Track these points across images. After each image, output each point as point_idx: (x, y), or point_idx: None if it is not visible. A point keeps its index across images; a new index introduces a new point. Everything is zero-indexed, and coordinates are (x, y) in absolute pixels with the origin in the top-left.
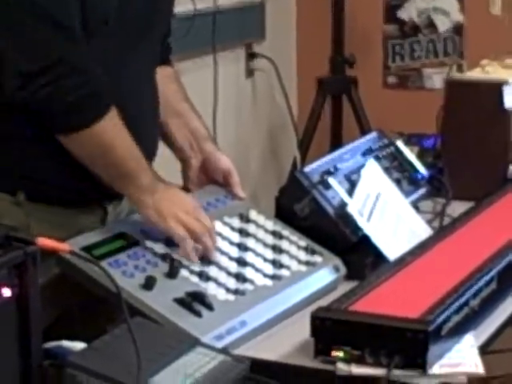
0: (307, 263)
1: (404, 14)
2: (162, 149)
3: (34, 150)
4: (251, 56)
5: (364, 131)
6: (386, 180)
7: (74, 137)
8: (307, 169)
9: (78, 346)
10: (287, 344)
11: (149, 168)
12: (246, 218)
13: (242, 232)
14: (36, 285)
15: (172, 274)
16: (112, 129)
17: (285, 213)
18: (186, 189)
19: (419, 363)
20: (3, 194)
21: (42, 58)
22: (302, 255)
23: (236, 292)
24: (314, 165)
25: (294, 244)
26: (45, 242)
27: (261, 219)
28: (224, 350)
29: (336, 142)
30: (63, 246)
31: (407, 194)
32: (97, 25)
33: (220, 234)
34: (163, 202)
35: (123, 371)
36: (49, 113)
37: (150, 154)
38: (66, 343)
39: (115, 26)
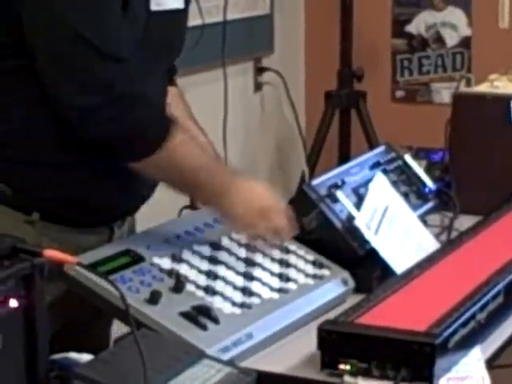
0: (314, 276)
1: (412, 28)
2: None
3: (52, 174)
4: (260, 70)
5: (372, 145)
6: (393, 194)
7: (147, 160)
8: (315, 182)
9: (85, 357)
10: (294, 357)
11: (222, 169)
12: None
13: (249, 247)
14: (43, 296)
15: (178, 288)
16: (181, 144)
17: None
18: (193, 206)
19: (426, 376)
20: (18, 213)
21: (105, 92)
22: (310, 269)
23: (242, 305)
24: (322, 178)
25: (302, 258)
26: (52, 253)
27: None
28: (230, 363)
29: (344, 156)
30: (70, 259)
31: (415, 207)
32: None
33: (227, 250)
34: (239, 200)
35: (130, 383)
36: (121, 143)
37: None
38: (72, 355)
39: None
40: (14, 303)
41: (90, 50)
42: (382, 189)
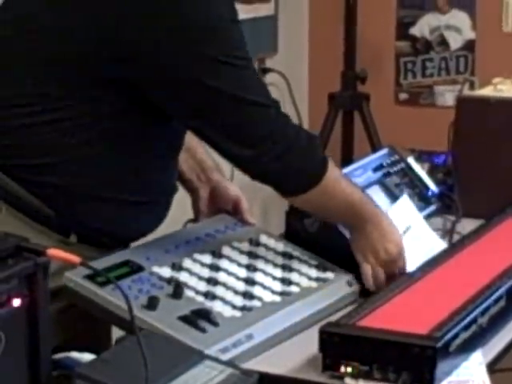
0: (318, 279)
1: (416, 30)
2: None
3: (88, 201)
4: (263, 71)
5: (375, 147)
6: (417, 215)
7: (304, 195)
8: None
9: (87, 357)
10: (295, 358)
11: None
12: (255, 242)
13: (252, 254)
14: (46, 295)
15: (176, 294)
16: (332, 176)
17: (295, 228)
18: (195, 219)
19: (427, 380)
20: (57, 235)
21: (263, 140)
22: (313, 272)
23: (243, 308)
24: None
25: (305, 263)
26: (55, 252)
27: (271, 242)
28: (232, 364)
29: (347, 158)
30: (74, 258)
31: (418, 210)
32: None
33: (228, 257)
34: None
35: (130, 382)
36: (282, 181)
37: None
38: (74, 354)
39: None
40: (16, 302)
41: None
42: (405, 210)
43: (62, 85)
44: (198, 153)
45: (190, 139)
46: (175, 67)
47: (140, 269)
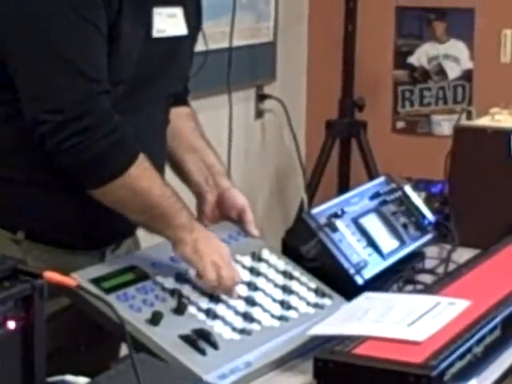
0: (316, 305)
1: (414, 59)
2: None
3: (37, 193)
4: (261, 97)
5: (372, 175)
6: None
7: (105, 188)
8: (314, 211)
9: (81, 381)
10: None
11: (184, 207)
12: (257, 257)
13: (253, 271)
14: (42, 318)
15: (179, 310)
16: (143, 173)
17: (291, 254)
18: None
19: None
20: (4, 231)
21: (70, 109)
22: (312, 297)
23: (242, 332)
24: (322, 207)
25: (305, 285)
26: (52, 275)
27: (273, 258)
28: None
29: (344, 186)
30: (70, 281)
31: (414, 239)
32: (118, 80)
33: None
34: (201, 241)
35: None
36: (78, 166)
37: None
38: (69, 378)
39: (132, 79)
40: (12, 325)
41: (77, 75)
42: None
43: None
44: (207, 155)
45: (195, 139)
46: None
47: (145, 277)
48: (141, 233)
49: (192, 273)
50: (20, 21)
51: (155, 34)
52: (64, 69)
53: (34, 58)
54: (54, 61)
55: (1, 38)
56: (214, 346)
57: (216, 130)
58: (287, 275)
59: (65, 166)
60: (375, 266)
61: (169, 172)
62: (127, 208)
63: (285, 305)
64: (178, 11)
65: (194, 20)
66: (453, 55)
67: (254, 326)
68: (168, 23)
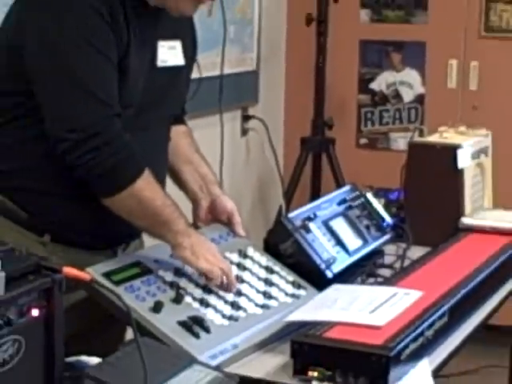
0: (293, 296)
1: (375, 85)
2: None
3: (60, 203)
4: (246, 118)
5: (339, 184)
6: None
7: (115, 197)
8: (291, 215)
9: (94, 360)
10: (271, 364)
11: (182, 215)
12: (244, 254)
13: (240, 266)
14: (61, 307)
15: (177, 300)
16: (147, 186)
17: (272, 251)
18: (195, 225)
19: (382, 383)
20: (32, 234)
21: (86, 129)
22: (289, 288)
23: (230, 318)
24: (297, 212)
25: (283, 278)
26: (69, 270)
27: (256, 255)
28: (217, 368)
29: (315, 193)
30: (84, 276)
31: (375, 238)
32: (127, 104)
33: None
34: (196, 244)
35: (131, 382)
36: (93, 177)
37: None
38: (84, 358)
39: (138, 103)
40: (35, 312)
41: (92, 100)
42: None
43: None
44: (201, 166)
45: (191, 153)
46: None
47: (149, 271)
48: (145, 235)
49: (189, 269)
50: (44, 56)
51: (159, 63)
52: (81, 95)
53: (56, 86)
54: (73, 88)
55: (29, 71)
56: (207, 330)
57: (208, 146)
58: (269, 270)
59: (81, 177)
60: (342, 261)
61: (169, 181)
62: (133, 215)
63: (266, 295)
64: (177, 44)
65: (190, 52)
66: (407, 82)
67: (241, 314)
68: (169, 54)
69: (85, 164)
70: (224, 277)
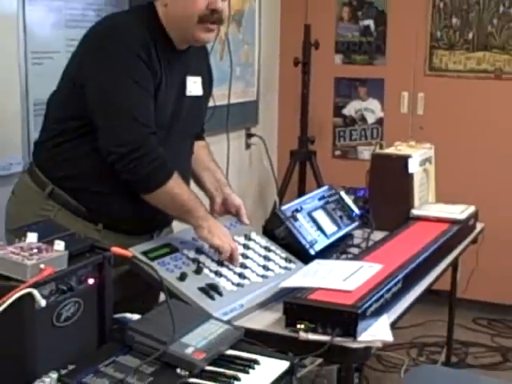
0: (285, 268)
1: (346, 111)
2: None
3: (111, 199)
4: (249, 135)
5: (319, 185)
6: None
7: (153, 194)
8: (283, 208)
9: (135, 317)
10: (268, 319)
11: (202, 205)
12: (248, 237)
13: (245, 246)
14: (110, 277)
15: (198, 271)
16: (176, 185)
17: (269, 235)
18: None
19: (352, 333)
20: (90, 223)
21: (129, 145)
22: (282, 262)
23: (238, 285)
24: (287, 206)
25: (278, 255)
26: (116, 250)
27: (258, 238)
28: (228, 322)
29: (301, 192)
30: (127, 253)
31: (346, 225)
32: (159, 125)
33: None
34: (213, 227)
35: (163, 333)
36: (136, 179)
37: None
38: (127, 315)
39: (168, 123)
40: (91, 281)
41: (134, 122)
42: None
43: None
44: (216, 172)
45: (208, 162)
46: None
47: (176, 250)
48: (174, 223)
49: (207, 248)
50: (100, 92)
51: (188, 93)
52: (126, 120)
53: (109, 113)
54: (121, 115)
55: (88, 103)
56: (220, 294)
57: (221, 156)
58: (267, 249)
59: (127, 180)
60: (322, 242)
61: (192, 183)
62: (166, 206)
63: (265, 268)
64: (198, 80)
65: (208, 86)
66: (370, 108)
67: (246, 282)
68: (193, 87)
69: (129, 170)
70: (231, 252)
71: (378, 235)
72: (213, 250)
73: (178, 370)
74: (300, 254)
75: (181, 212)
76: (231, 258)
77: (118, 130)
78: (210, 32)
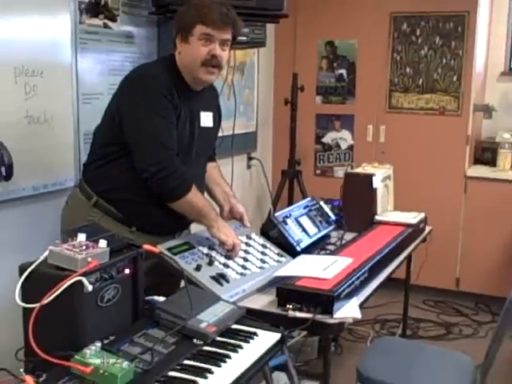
0: (278, 261)
1: (325, 139)
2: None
3: (143, 207)
4: (250, 158)
5: (304, 197)
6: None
7: (177, 202)
8: (276, 214)
9: (161, 299)
10: (265, 300)
11: (214, 210)
12: (249, 237)
13: (247, 244)
14: (142, 268)
15: (210, 263)
16: (194, 195)
17: (265, 236)
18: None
19: (329, 311)
20: (125, 226)
21: (158, 165)
22: (276, 257)
23: (241, 274)
24: (279, 213)
25: (272, 251)
26: (147, 247)
27: (256, 238)
28: (233, 303)
29: (290, 202)
30: (156, 249)
31: (325, 228)
32: (179, 149)
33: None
34: (221, 226)
35: (183, 312)
36: (164, 192)
37: None
38: (155, 297)
39: (187, 148)
40: (127, 271)
41: (161, 146)
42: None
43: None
44: (224, 187)
45: (218, 178)
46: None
47: (193, 247)
48: (192, 226)
49: (217, 244)
50: (135, 124)
51: (202, 124)
52: (156, 145)
53: (142, 140)
54: (152, 141)
55: (125, 133)
56: (227, 281)
57: (227, 175)
58: (264, 246)
59: (157, 192)
60: (306, 241)
61: (206, 194)
62: (186, 212)
63: (262, 261)
64: (210, 114)
65: (217, 119)
66: (344, 137)
67: (247, 272)
68: (205, 120)
69: (158, 185)
70: (233, 246)
71: (349, 236)
72: (219, 243)
73: (195, 340)
74: (289, 250)
75: (198, 216)
76: (232, 251)
77: (148, 153)
78: (211, 74)
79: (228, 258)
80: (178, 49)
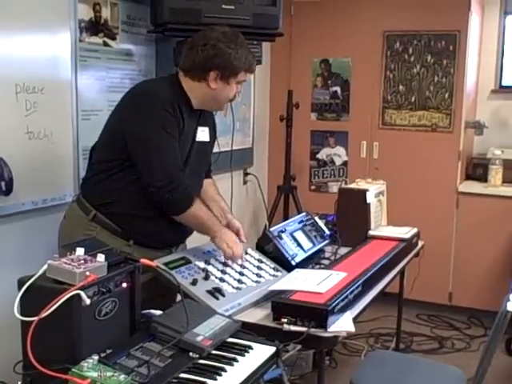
0: (273, 275)
1: (320, 155)
2: None
3: (140, 221)
4: (246, 174)
5: (299, 212)
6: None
7: (181, 215)
8: (271, 229)
9: (158, 312)
10: (260, 314)
11: (216, 220)
12: (245, 251)
13: (243, 258)
14: (139, 282)
15: (206, 278)
16: (197, 209)
17: (261, 250)
18: None
19: (323, 325)
20: (123, 240)
21: (164, 179)
22: (271, 271)
23: (237, 288)
24: (275, 227)
25: (268, 265)
26: (144, 261)
27: (252, 252)
28: (229, 317)
29: (286, 217)
30: (152, 264)
31: (319, 242)
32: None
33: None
34: (224, 235)
35: (180, 325)
36: (170, 205)
37: None
38: (152, 311)
39: (184, 161)
40: (125, 285)
41: (168, 161)
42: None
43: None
44: (221, 202)
45: (215, 194)
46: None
47: (189, 262)
48: (187, 241)
49: (214, 260)
50: (139, 140)
51: (197, 139)
52: (161, 160)
53: (147, 155)
54: (157, 156)
55: (129, 149)
56: (223, 295)
57: (224, 190)
58: (259, 260)
59: (162, 206)
60: (301, 256)
61: None
62: (191, 223)
63: (258, 275)
64: (206, 129)
65: (213, 134)
66: (338, 153)
67: (243, 286)
68: (201, 134)
69: (164, 200)
70: (232, 256)
71: (343, 250)
72: (221, 251)
73: (191, 354)
74: (284, 264)
75: (201, 227)
76: (231, 259)
77: (156, 167)
78: (221, 109)
79: (224, 272)
80: (212, 83)
